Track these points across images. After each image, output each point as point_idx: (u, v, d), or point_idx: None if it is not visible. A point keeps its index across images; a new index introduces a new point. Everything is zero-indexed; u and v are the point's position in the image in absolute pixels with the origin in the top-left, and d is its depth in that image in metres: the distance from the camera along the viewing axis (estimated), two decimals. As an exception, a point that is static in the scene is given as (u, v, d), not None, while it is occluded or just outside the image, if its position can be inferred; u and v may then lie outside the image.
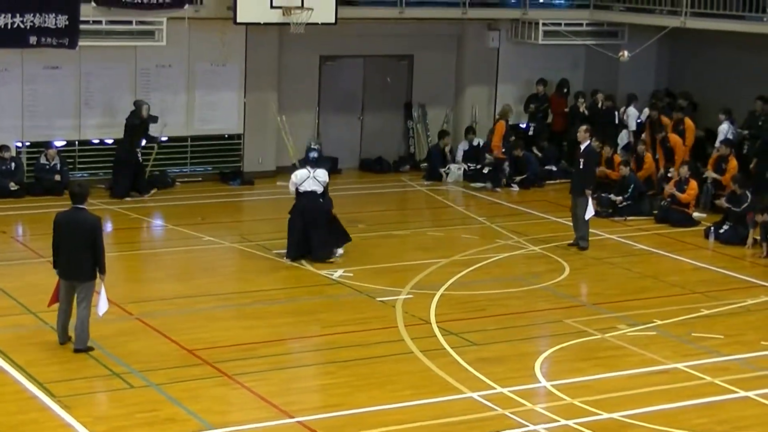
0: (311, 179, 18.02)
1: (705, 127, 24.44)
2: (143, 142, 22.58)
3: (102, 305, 13.84)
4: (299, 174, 18.15)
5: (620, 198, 22.03)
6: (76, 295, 13.81)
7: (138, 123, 22.27)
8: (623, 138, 24.98)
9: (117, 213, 21.14)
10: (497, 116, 25.26)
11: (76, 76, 22.72)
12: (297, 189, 18.14)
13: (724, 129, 23.24)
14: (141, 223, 20.75)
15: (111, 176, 22.62)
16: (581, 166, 19.43)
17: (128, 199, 22.05)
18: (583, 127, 19.84)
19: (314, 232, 18.04)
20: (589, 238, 19.59)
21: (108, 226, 20.18)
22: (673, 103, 24.93)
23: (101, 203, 21.48)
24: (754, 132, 23.02)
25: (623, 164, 22.51)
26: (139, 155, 22.52)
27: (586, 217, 19.26)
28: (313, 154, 18.41)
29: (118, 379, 13.05)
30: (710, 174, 22.34)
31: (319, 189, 18.05)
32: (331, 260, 18.05)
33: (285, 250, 18.19)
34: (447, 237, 20.32)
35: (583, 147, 19.54)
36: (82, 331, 13.77)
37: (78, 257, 13.65)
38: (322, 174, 18.12)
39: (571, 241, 19.62)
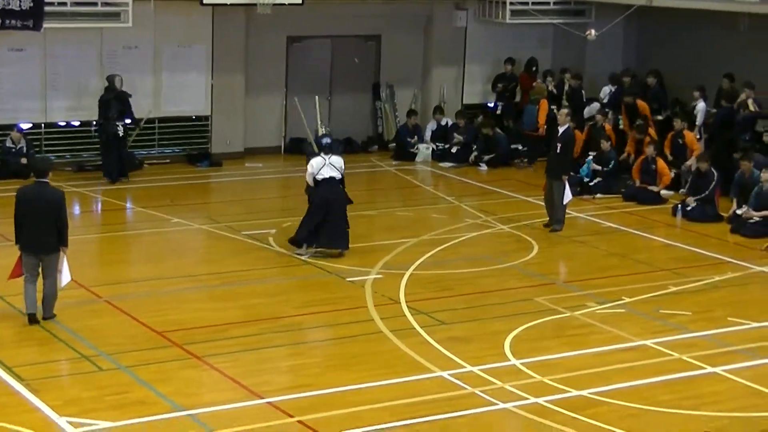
0: (327, 166, 17.42)
1: (674, 97, 24.46)
2: (127, 121, 22.29)
3: (64, 277, 14.03)
4: (314, 162, 17.51)
5: (600, 168, 22.08)
6: (42, 268, 13.95)
7: (111, 97, 22.03)
8: (592, 111, 25.02)
9: (86, 196, 21.04)
10: (535, 96, 25.08)
11: (41, 58, 22.57)
12: (315, 178, 17.49)
13: (702, 108, 23.24)
14: (112, 206, 20.65)
15: (101, 159, 22.49)
16: (558, 151, 19.33)
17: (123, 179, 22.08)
18: (564, 111, 19.80)
19: (334, 221, 17.48)
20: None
21: (76, 208, 20.16)
22: (637, 83, 24.97)
23: (69, 186, 21.36)
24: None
25: (604, 139, 22.56)
26: (120, 130, 22.01)
27: (564, 202, 19.23)
28: (327, 140, 17.70)
29: (87, 362, 13.02)
30: (685, 165, 22.08)
31: (338, 175, 17.51)
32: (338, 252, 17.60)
33: (291, 236, 17.69)
34: (416, 216, 20.33)
35: (561, 130, 19.41)
36: (52, 300, 14.06)
37: (43, 231, 13.78)
38: (337, 160, 17.55)
39: (546, 223, 19.60)
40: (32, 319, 14.00)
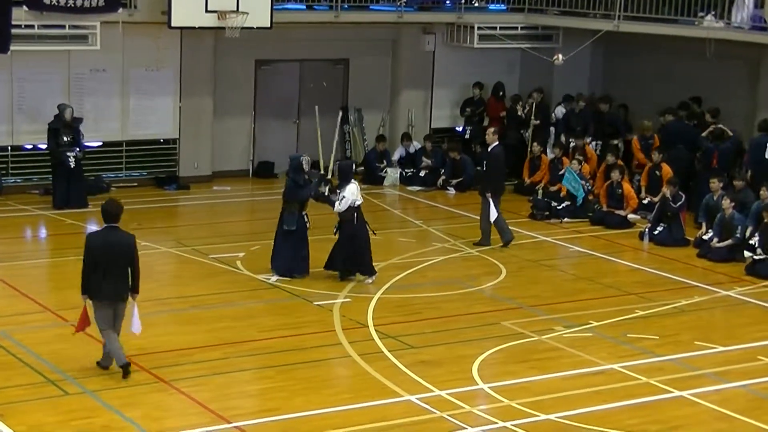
0: (359, 191, 17.33)
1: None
2: (77, 150, 22.00)
3: (137, 324, 13.33)
4: (352, 189, 17.13)
5: (576, 199, 22.18)
6: (114, 318, 13.25)
7: (59, 127, 21.79)
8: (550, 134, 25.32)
9: (52, 219, 20.94)
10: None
11: (8, 81, 22.47)
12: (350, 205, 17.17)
13: None
14: (76, 228, 20.54)
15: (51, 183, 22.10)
16: (485, 168, 19.59)
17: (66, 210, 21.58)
18: (491, 129, 20.07)
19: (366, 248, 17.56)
20: (523, 241, 19.95)
21: (42, 231, 20.06)
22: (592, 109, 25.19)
23: (35, 209, 21.28)
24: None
25: (576, 161, 22.65)
26: (71, 160, 21.70)
27: (491, 219, 19.43)
28: (354, 166, 17.42)
29: (53, 386, 12.93)
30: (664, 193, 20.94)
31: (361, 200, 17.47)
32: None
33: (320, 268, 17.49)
34: (384, 240, 20.29)
35: (490, 149, 19.62)
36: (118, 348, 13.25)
37: (120, 279, 13.13)
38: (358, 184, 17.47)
39: (476, 241, 19.77)
40: (127, 370, 13.15)
